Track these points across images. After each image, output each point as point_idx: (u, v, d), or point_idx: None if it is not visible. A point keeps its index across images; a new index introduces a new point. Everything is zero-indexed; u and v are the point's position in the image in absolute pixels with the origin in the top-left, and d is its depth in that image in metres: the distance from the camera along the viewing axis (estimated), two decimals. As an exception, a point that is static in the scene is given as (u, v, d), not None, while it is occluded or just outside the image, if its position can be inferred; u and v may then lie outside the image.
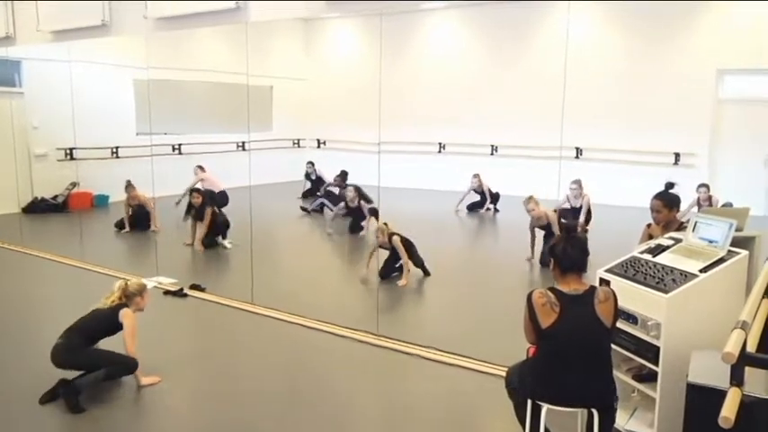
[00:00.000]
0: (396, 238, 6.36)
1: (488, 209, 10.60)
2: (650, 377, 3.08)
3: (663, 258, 3.26)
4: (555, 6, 11.28)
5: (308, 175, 12.23)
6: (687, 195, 7.59)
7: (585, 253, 2.80)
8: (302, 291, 6.28)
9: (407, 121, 12.57)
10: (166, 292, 6.01)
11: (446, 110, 12.66)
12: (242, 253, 7.41)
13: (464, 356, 4.41)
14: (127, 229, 8.90)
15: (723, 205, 7.79)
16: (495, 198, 10.65)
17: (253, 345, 4.88)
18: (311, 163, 12.29)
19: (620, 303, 2.80)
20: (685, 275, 3.02)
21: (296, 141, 14.44)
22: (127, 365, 3.90)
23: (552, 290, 2.73)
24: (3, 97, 9.92)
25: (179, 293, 5.98)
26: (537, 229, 7.18)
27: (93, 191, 10.78)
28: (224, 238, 8.07)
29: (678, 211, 4.16)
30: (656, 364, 2.96)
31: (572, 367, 2.66)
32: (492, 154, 12.26)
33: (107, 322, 3.97)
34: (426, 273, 6.63)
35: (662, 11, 10.35)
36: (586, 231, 7.84)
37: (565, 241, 2.82)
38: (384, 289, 6.15)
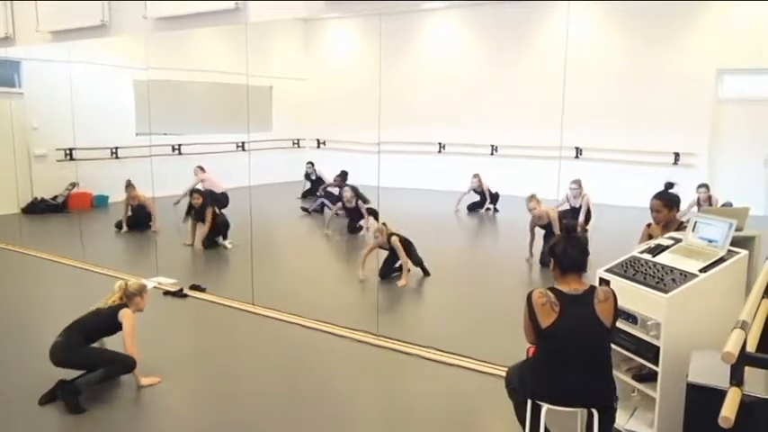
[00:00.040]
0: (394, 239, 6.36)
1: (488, 209, 10.60)
2: (650, 377, 3.08)
3: (663, 258, 3.26)
4: (555, 6, 11.28)
5: (307, 176, 12.24)
6: (687, 195, 7.59)
7: (585, 253, 2.80)
8: (302, 291, 6.28)
9: (407, 121, 12.57)
10: (166, 293, 6.00)
11: (446, 110, 12.66)
12: (242, 253, 7.41)
13: (464, 356, 4.40)
14: (125, 228, 8.91)
15: (723, 205, 7.79)
16: (494, 198, 10.65)
17: (253, 345, 4.88)
18: (311, 163, 12.29)
19: (620, 303, 2.80)
20: (685, 275, 3.02)
21: (296, 141, 14.44)
22: (125, 364, 3.90)
23: (552, 290, 2.73)
24: (2, 98, 9.92)
25: (179, 294, 5.98)
26: (537, 229, 7.17)
27: (93, 191, 10.78)
28: (224, 238, 8.08)
29: (678, 210, 4.16)
30: (656, 363, 2.96)
31: (572, 367, 2.66)
32: (492, 154, 12.26)
33: (106, 322, 3.98)
34: (426, 273, 6.63)
35: (662, 11, 10.36)
36: (586, 231, 7.84)
37: (565, 241, 2.81)
38: (384, 289, 6.15)
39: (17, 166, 9.59)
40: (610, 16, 11.05)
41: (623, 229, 6.08)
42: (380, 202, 7.88)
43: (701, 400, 2.39)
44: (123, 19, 6.63)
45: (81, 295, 5.43)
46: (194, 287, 6.13)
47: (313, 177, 12.14)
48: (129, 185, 8.95)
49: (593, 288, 2.76)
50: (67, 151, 10.40)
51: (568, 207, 8.32)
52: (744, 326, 2.06)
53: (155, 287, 6.03)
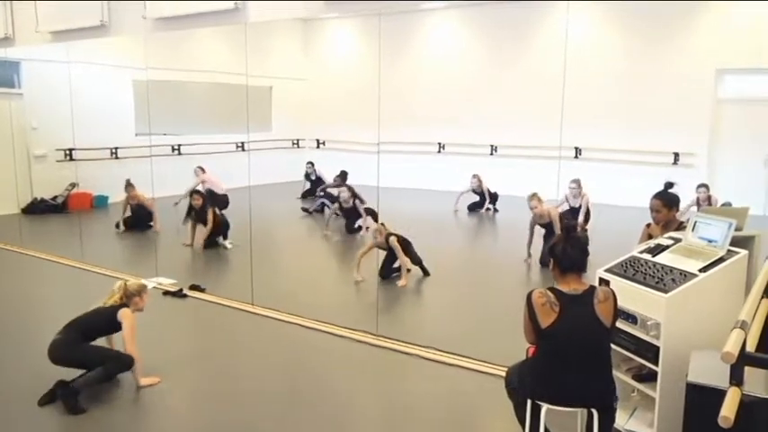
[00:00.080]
0: (393, 239, 6.36)
1: (488, 209, 10.61)
2: (650, 377, 3.08)
3: (662, 258, 3.26)
4: (554, 6, 11.28)
5: (307, 176, 12.23)
6: (686, 195, 7.59)
7: (585, 253, 2.80)
8: (302, 291, 6.28)
9: (407, 121, 12.57)
10: (166, 293, 6.01)
11: (445, 110, 12.66)
12: (241, 253, 7.41)
13: (464, 356, 4.40)
14: (122, 228, 8.91)
15: (722, 205, 7.79)
16: (494, 198, 10.65)
17: (252, 345, 4.88)
18: (311, 163, 12.29)
19: (620, 303, 2.80)
20: (685, 275, 3.02)
21: (295, 142, 14.44)
22: (122, 362, 3.91)
23: (552, 290, 2.73)
24: (2, 98, 9.92)
25: (179, 294, 5.98)
26: (536, 229, 7.17)
27: (93, 191, 10.78)
28: (225, 238, 8.08)
29: (678, 210, 4.16)
30: (656, 363, 2.96)
31: (572, 367, 2.66)
32: (491, 154, 12.26)
33: (106, 321, 3.98)
34: (426, 273, 6.63)
35: (661, 11, 10.36)
36: (585, 231, 7.83)
37: (564, 241, 2.81)
38: (383, 289, 6.15)
39: (17, 166, 9.58)
40: (609, 16, 11.05)
41: (623, 229, 6.08)
42: (380, 203, 7.89)
43: (701, 400, 2.39)
44: (123, 19, 6.63)
45: (80, 295, 5.43)
46: (194, 287, 6.13)
47: (313, 177, 12.13)
48: (128, 185, 8.95)
49: (592, 288, 2.76)
50: (67, 151, 10.39)
51: (567, 207, 8.32)
52: (743, 326, 2.06)
53: (154, 287, 6.03)
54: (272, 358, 4.59)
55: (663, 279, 3.04)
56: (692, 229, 3.34)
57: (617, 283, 3.13)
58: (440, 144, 12.97)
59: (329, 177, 11.40)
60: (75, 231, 8.91)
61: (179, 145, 11.65)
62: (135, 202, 8.96)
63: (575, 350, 2.65)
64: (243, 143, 11.72)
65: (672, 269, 3.11)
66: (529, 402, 2.79)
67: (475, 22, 12.55)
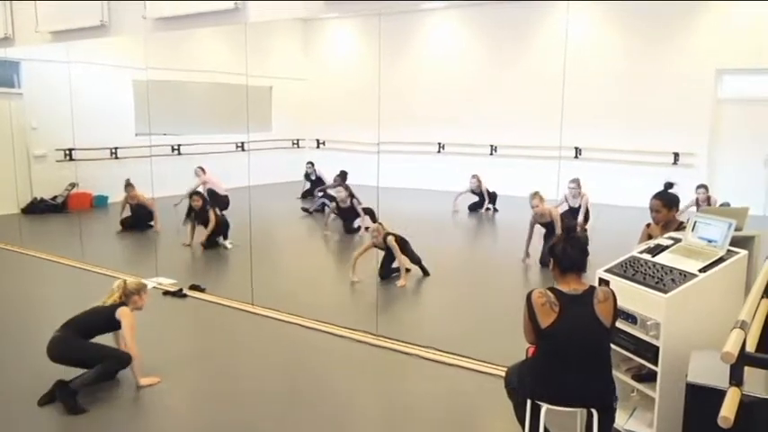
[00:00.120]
0: (390, 238, 6.36)
1: (488, 209, 10.60)
2: (649, 377, 3.08)
3: (662, 258, 3.26)
4: (554, 6, 11.29)
5: (307, 176, 12.23)
6: (686, 195, 7.60)
7: (585, 253, 2.80)
8: (301, 291, 6.28)
9: (407, 121, 12.57)
10: (166, 293, 6.01)
11: (445, 110, 12.66)
12: (241, 253, 7.41)
13: (464, 356, 4.40)
14: (119, 228, 8.90)
15: (720, 205, 7.79)
16: (492, 198, 10.65)
17: (252, 345, 4.88)
18: (311, 163, 12.28)
19: (620, 303, 2.80)
20: (684, 275, 3.02)
21: (295, 142, 14.44)
22: (120, 359, 3.91)
23: (552, 290, 2.73)
24: (2, 98, 9.92)
25: (178, 294, 5.98)
26: (536, 227, 7.17)
27: (93, 191, 10.78)
28: (225, 238, 8.08)
29: (677, 210, 4.16)
30: (656, 363, 2.96)
31: (571, 367, 2.66)
32: (491, 154, 12.26)
33: (105, 320, 3.98)
34: (425, 273, 6.63)
35: (661, 11, 10.36)
36: (585, 231, 7.84)
37: (564, 241, 2.82)
38: (383, 289, 6.15)
39: (17, 166, 9.59)
40: (609, 16, 11.05)
41: (623, 229, 6.08)
42: (380, 203, 7.89)
43: (701, 400, 2.40)
44: (123, 19, 6.63)
45: (80, 295, 5.43)
46: (194, 287, 6.13)
47: (313, 177, 12.13)
48: (128, 185, 8.95)
49: (592, 288, 2.76)
50: (67, 151, 10.39)
51: (567, 208, 8.31)
52: (743, 326, 2.06)
53: (154, 287, 6.03)
54: (272, 358, 4.59)
55: (663, 279, 3.04)
56: (692, 230, 3.34)
57: (617, 284, 3.13)
58: (440, 144, 12.97)
59: (329, 177, 11.40)
60: (74, 231, 8.92)
61: (179, 145, 11.65)
62: (135, 202, 8.96)
63: (574, 350, 2.65)
64: (243, 143, 11.72)
65: (672, 269, 3.11)
66: (528, 402, 2.79)
67: (475, 22, 12.55)
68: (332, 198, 10.20)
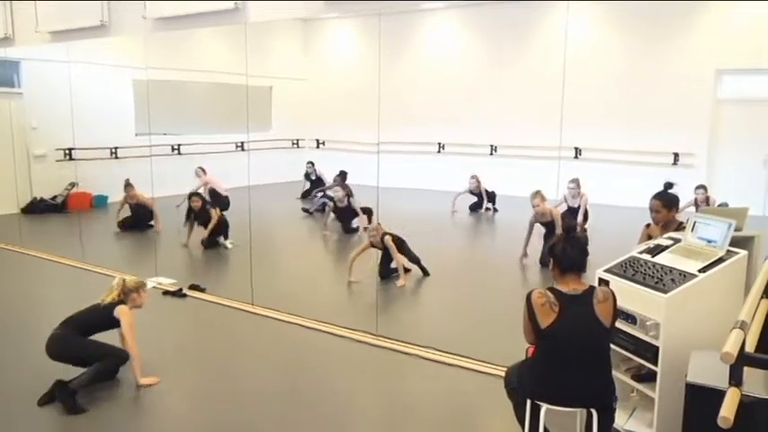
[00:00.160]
0: (387, 238, 6.36)
1: (488, 209, 10.61)
2: (649, 377, 3.08)
3: (662, 258, 3.26)
4: (554, 6, 11.29)
5: (307, 176, 12.23)
6: (686, 195, 7.61)
7: (585, 253, 2.80)
8: (301, 291, 6.28)
9: (406, 121, 12.57)
10: (166, 293, 6.01)
11: (445, 110, 12.66)
12: (241, 253, 7.41)
13: (463, 356, 4.41)
14: (117, 228, 8.91)
15: (719, 206, 7.80)
16: (491, 198, 10.65)
17: (252, 345, 4.88)
18: (311, 163, 12.29)
19: (620, 303, 2.80)
20: (684, 275, 3.02)
21: (295, 141, 14.44)
22: (118, 357, 3.92)
23: (551, 290, 2.73)
24: (2, 98, 9.92)
25: (178, 294, 5.98)
26: (536, 227, 7.17)
27: (93, 191, 10.79)
28: (225, 238, 8.08)
29: (677, 211, 4.16)
30: (655, 363, 2.96)
31: (571, 367, 2.66)
32: (491, 154, 12.26)
33: (103, 318, 3.98)
34: (425, 272, 6.63)
35: (661, 11, 10.36)
36: (585, 231, 7.84)
37: (564, 241, 2.82)
38: (383, 289, 6.15)
39: (16, 166, 9.59)
40: (609, 16, 11.05)
41: (622, 229, 6.09)
42: (380, 203, 7.89)
43: (700, 401, 2.40)
44: (123, 19, 6.64)
45: (80, 295, 5.41)
46: (194, 287, 6.13)
47: (313, 177, 12.13)
48: (127, 185, 8.95)
49: (592, 288, 2.76)
50: (67, 151, 10.40)
51: (566, 208, 8.31)
52: (743, 326, 2.06)
53: (154, 287, 6.03)
54: (272, 358, 4.59)
55: (662, 279, 3.04)
56: (692, 230, 3.34)
57: (616, 284, 3.13)
58: (439, 144, 12.98)
59: (329, 177, 11.39)
60: (74, 231, 8.92)
61: (179, 145, 11.65)
62: (134, 202, 8.96)
63: (574, 350, 2.66)
64: (243, 143, 11.73)
65: (671, 269, 3.11)
66: (528, 402, 2.79)
67: (475, 23, 12.55)
68: (332, 198, 10.22)
